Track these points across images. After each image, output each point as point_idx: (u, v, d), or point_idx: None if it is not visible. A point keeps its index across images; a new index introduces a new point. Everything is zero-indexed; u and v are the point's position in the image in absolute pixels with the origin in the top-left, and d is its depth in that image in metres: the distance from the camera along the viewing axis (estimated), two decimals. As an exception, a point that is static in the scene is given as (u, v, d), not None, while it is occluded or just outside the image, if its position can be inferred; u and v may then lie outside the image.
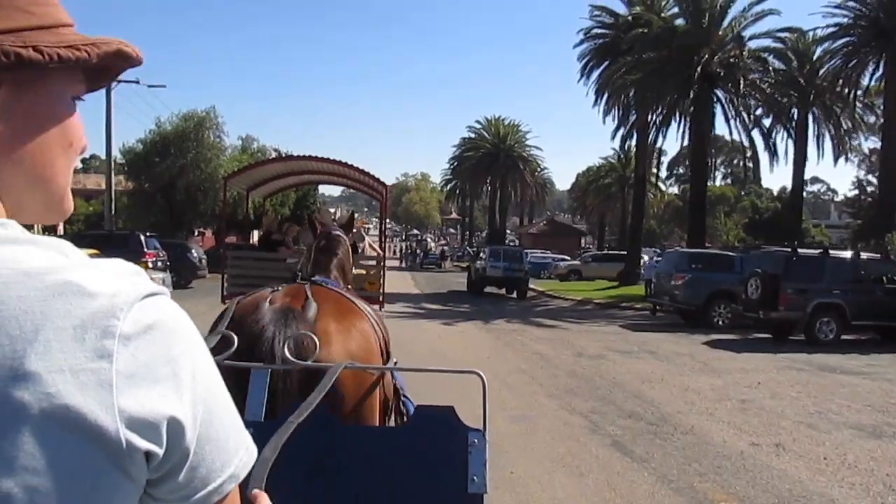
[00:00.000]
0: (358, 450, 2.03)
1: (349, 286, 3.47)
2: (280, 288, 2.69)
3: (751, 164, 26.68)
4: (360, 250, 8.72)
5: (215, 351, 2.01)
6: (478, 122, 65.37)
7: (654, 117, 27.15)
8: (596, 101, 33.06)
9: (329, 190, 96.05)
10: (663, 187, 60.53)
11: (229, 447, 0.68)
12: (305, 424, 1.72)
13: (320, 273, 3.20)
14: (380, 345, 2.66)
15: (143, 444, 0.60)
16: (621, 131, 29.01)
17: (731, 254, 18.11)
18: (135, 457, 0.60)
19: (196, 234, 47.42)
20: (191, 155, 29.09)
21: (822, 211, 77.55)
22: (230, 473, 0.68)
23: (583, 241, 67.98)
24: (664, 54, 25.60)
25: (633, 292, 27.61)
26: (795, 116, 29.65)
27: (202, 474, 0.65)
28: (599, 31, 33.01)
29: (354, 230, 6.32)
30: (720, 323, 17.44)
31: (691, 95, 24.14)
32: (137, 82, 27.79)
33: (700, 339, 15.33)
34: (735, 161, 66.23)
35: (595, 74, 32.90)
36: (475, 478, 1.95)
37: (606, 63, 31.69)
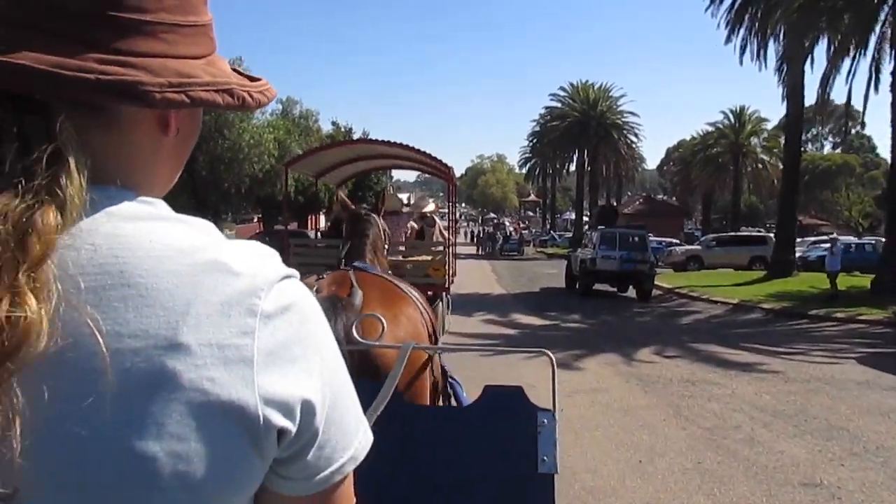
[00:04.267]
0: (428, 429, 2.01)
1: (388, 270, 3.51)
2: (324, 276, 2.73)
3: None
4: (430, 236, 8.80)
5: None
6: (562, 88, 56.60)
7: (834, 43, 18.94)
8: (730, 34, 25.07)
9: (404, 175, 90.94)
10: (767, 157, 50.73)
11: (351, 429, 0.69)
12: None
13: (355, 258, 3.25)
14: (427, 329, 2.70)
15: (279, 422, 0.61)
16: (785, 68, 20.56)
17: None
18: (269, 434, 0.61)
19: (255, 218, 41.85)
20: (207, 118, 22.84)
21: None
22: (351, 455, 0.69)
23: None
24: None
25: (797, 288, 19.96)
26: None
27: (327, 454, 0.67)
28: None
29: (427, 216, 8.59)
30: None
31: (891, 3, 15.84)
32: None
33: None
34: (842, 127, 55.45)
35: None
36: (545, 458, 1.92)
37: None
